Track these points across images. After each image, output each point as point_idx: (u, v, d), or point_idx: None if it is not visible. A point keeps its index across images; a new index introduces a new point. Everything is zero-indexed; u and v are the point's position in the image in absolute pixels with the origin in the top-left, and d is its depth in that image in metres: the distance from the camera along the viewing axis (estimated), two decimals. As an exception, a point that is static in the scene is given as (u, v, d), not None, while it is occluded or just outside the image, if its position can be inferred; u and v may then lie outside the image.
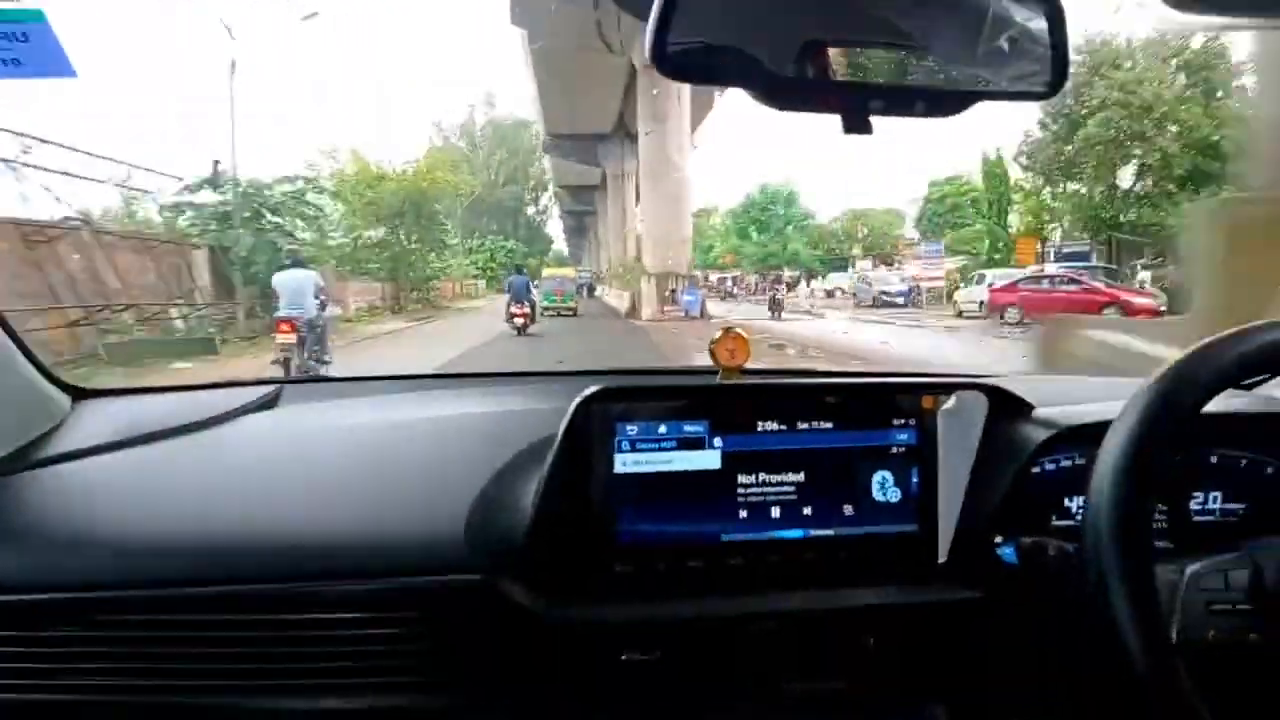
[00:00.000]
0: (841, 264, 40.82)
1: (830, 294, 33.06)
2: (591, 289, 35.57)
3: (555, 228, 67.84)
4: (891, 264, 37.10)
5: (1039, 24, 0.66)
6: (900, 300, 23.50)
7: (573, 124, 31.81)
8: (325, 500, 0.96)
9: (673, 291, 19.15)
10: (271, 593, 0.85)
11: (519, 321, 14.69)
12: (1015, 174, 26.06)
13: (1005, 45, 0.67)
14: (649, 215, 21.67)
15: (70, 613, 0.84)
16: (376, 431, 1.14)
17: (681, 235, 20.89)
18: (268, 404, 1.22)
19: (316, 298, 8.13)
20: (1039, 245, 24.32)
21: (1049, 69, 0.67)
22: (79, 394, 1.17)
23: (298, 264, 8.66)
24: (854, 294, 26.86)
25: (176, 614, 0.85)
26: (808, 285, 37.50)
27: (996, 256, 24.64)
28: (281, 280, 8.23)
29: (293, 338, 7.55)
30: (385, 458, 1.06)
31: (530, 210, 64.88)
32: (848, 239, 45.39)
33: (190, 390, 1.38)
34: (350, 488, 0.99)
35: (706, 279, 31.35)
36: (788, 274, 37.87)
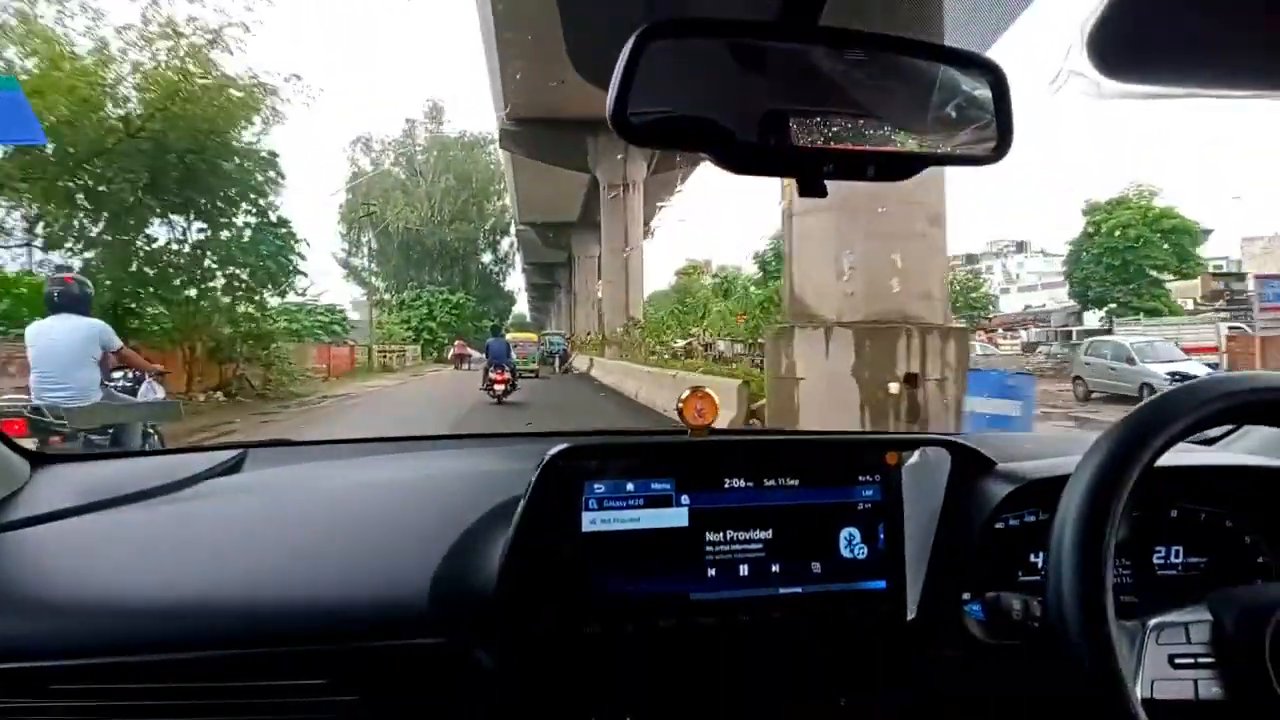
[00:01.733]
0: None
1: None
2: (565, 358, 27.68)
3: (516, 282, 56.96)
4: (992, 332, 28.15)
5: (984, 92, 0.69)
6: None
7: (548, 104, 19.51)
8: (289, 564, 0.95)
9: (906, 378, 6.74)
10: (233, 658, 0.83)
11: (499, 388, 13.92)
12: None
13: (953, 113, 0.70)
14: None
15: (27, 682, 0.81)
16: (342, 494, 1.13)
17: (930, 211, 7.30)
18: (232, 468, 1.21)
19: (115, 371, 4.81)
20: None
21: (995, 135, 0.69)
22: (38, 460, 1.16)
23: (69, 305, 4.51)
24: (1077, 379, 16.74)
25: (135, 682, 0.82)
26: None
27: None
28: (33, 335, 4.50)
29: (31, 443, 3.43)
30: (351, 521, 1.05)
31: (486, 258, 51.89)
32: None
33: (153, 455, 1.37)
34: (315, 551, 0.97)
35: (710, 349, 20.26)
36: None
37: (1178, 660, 0.73)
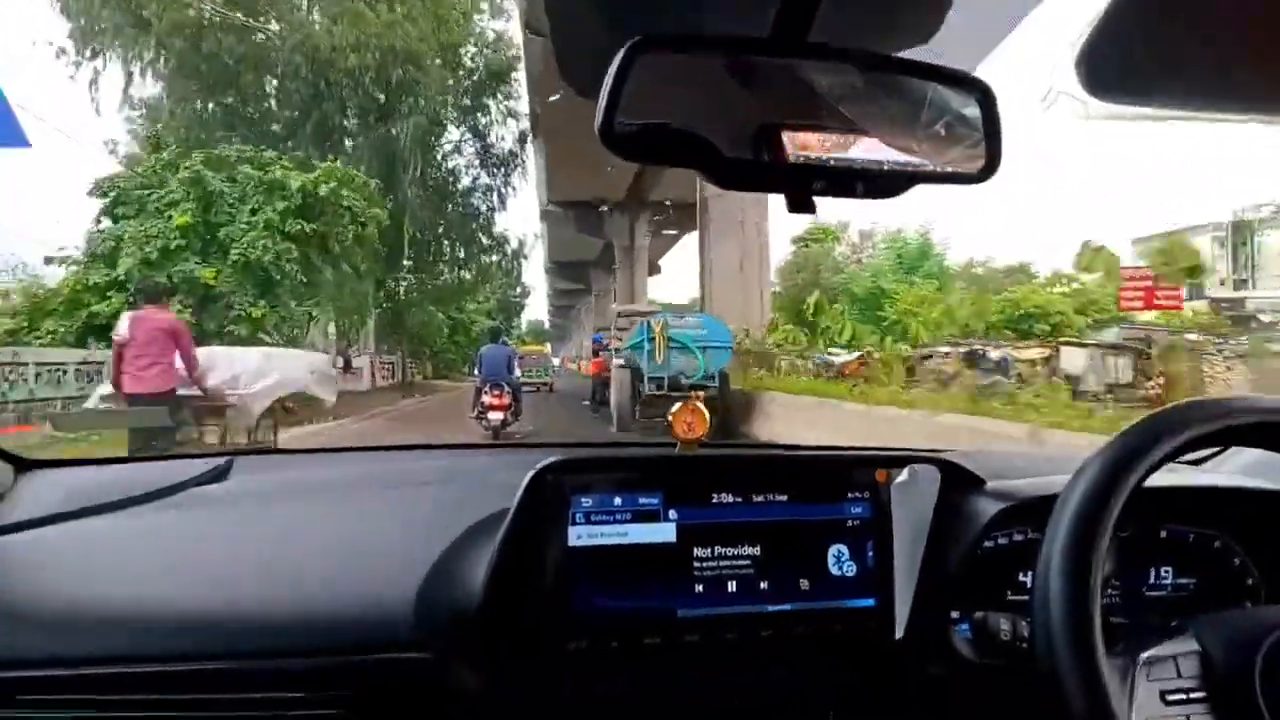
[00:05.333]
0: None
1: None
2: (723, 401, 10.26)
3: (526, 219, 31.43)
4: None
5: (974, 111, 0.70)
6: None
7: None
8: (273, 575, 0.94)
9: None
10: (213, 671, 0.82)
11: (496, 416, 9.38)
12: None
13: (943, 131, 0.70)
14: None
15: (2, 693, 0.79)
16: (329, 504, 1.12)
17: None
18: (219, 475, 1.20)
19: None
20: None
21: (984, 153, 0.69)
22: (22, 465, 1.14)
23: None
24: None
25: (111, 694, 0.81)
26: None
27: None
28: None
29: None
30: (336, 531, 1.04)
31: (449, 138, 22.31)
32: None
33: (140, 461, 1.36)
34: (300, 562, 0.97)
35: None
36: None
37: (1169, 697, 0.70)
